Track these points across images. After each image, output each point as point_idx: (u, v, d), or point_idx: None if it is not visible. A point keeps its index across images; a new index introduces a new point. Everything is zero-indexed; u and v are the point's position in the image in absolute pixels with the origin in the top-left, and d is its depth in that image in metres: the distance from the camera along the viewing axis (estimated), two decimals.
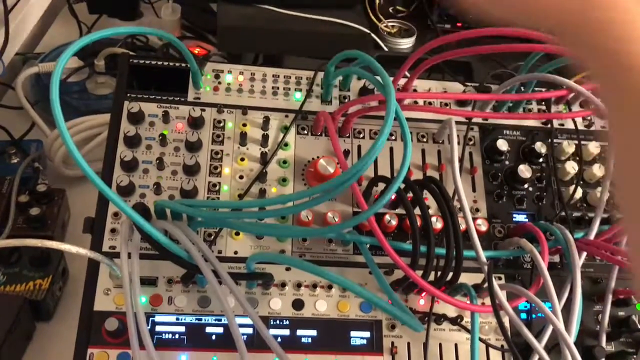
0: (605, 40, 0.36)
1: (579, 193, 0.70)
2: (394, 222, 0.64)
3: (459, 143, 0.70)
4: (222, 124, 0.68)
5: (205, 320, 0.60)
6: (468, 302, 0.60)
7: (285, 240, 0.64)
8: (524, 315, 0.64)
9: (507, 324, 0.61)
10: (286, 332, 0.60)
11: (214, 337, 0.59)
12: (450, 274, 0.58)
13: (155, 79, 0.70)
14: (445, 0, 0.52)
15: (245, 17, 0.95)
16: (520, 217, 0.69)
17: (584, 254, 0.63)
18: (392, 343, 0.61)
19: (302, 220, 0.63)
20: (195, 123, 0.67)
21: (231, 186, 0.65)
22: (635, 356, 0.62)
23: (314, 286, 0.62)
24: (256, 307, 0.60)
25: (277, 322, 0.60)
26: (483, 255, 0.60)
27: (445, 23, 1.09)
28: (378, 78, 0.59)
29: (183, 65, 0.69)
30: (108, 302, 0.59)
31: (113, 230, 0.62)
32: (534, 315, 0.64)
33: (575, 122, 0.74)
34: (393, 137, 0.71)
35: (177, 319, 0.59)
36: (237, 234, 0.63)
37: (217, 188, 0.65)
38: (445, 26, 1.08)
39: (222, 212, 0.59)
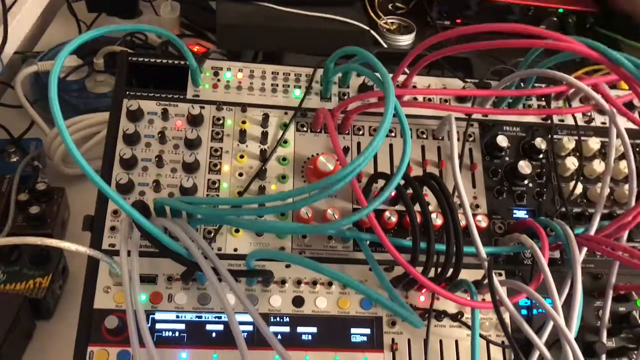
0: None
1: (579, 189, 0.70)
2: (393, 219, 0.64)
3: (458, 139, 0.69)
4: (221, 122, 0.68)
5: (205, 317, 0.59)
6: (468, 298, 0.60)
7: (285, 237, 0.64)
8: (524, 312, 0.64)
9: (507, 320, 0.61)
10: (286, 329, 0.60)
11: (214, 334, 0.59)
12: (451, 270, 0.58)
13: (154, 76, 0.70)
14: None
15: (245, 14, 0.94)
16: (521, 213, 0.69)
17: (585, 249, 0.63)
18: (393, 340, 0.61)
19: (301, 217, 0.63)
20: (195, 120, 0.67)
21: (231, 184, 0.65)
22: (636, 352, 0.62)
23: (314, 283, 0.62)
24: (256, 304, 0.60)
25: (277, 319, 0.60)
26: (483, 251, 0.60)
27: (444, 20, 1.08)
28: (377, 75, 0.59)
29: (182, 62, 0.69)
30: (108, 300, 0.59)
31: (113, 228, 0.62)
32: (534, 311, 0.64)
33: (575, 118, 0.74)
34: (392, 134, 0.71)
35: (177, 316, 0.59)
36: (237, 231, 0.63)
37: (216, 185, 0.65)
38: (444, 23, 1.08)
39: (221, 209, 0.59)
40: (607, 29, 1.07)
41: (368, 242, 0.62)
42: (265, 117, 0.68)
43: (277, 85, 0.71)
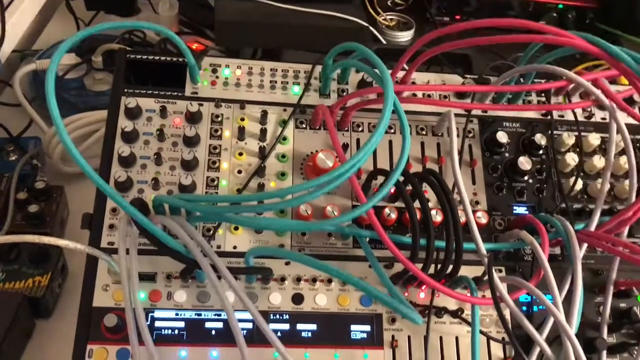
0: None
1: (579, 184, 0.69)
2: (393, 216, 0.64)
3: (458, 135, 0.69)
4: (220, 119, 0.68)
5: (204, 315, 0.59)
6: (468, 294, 0.60)
7: (284, 234, 0.64)
8: (524, 308, 0.64)
9: (508, 316, 0.61)
10: (286, 326, 0.60)
11: (213, 332, 0.59)
12: (451, 266, 0.58)
13: (152, 74, 0.70)
14: None
15: (243, 11, 0.94)
16: (521, 209, 0.69)
17: (585, 245, 0.63)
18: (393, 336, 0.61)
19: (301, 215, 0.63)
20: (193, 118, 0.66)
21: (230, 181, 0.65)
22: (637, 347, 0.62)
23: (314, 280, 0.62)
24: (256, 302, 0.60)
25: (277, 316, 0.60)
26: (483, 247, 0.60)
27: (444, 16, 1.08)
28: (376, 70, 0.59)
29: (180, 60, 0.69)
30: (107, 298, 0.59)
31: (111, 226, 0.61)
32: (535, 308, 0.64)
33: (575, 114, 0.74)
34: (392, 131, 0.70)
35: (177, 314, 0.59)
36: (236, 228, 0.63)
37: (215, 183, 0.65)
38: (444, 19, 1.08)
39: (220, 207, 0.59)
40: (606, 24, 1.06)
41: (368, 239, 0.62)
42: (264, 114, 0.68)
43: (276, 82, 0.71)
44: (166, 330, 0.58)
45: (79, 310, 0.58)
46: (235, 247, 0.62)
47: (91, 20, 1.10)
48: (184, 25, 1.11)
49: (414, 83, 0.73)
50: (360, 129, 0.70)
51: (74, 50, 0.97)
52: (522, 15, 1.06)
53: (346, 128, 0.70)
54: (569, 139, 0.71)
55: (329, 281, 0.62)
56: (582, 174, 0.70)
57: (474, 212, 0.65)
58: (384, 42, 1.01)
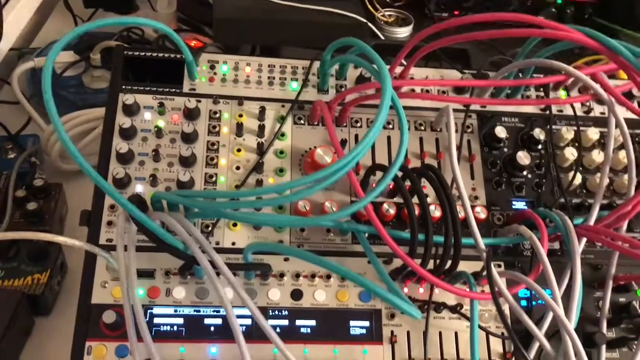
0: None
1: (578, 179, 0.69)
2: (392, 211, 0.63)
3: (456, 131, 0.69)
4: (218, 115, 0.67)
5: (203, 311, 0.59)
6: (467, 290, 0.60)
7: (283, 230, 0.63)
8: (524, 303, 0.64)
9: (507, 311, 0.61)
10: (285, 322, 0.60)
11: (212, 328, 0.59)
12: (449, 262, 0.58)
13: (150, 71, 0.70)
14: None
15: (241, 8, 0.94)
16: (520, 204, 0.69)
17: (584, 240, 0.63)
18: (392, 332, 0.61)
19: (299, 211, 0.63)
20: (191, 114, 0.66)
21: (228, 177, 0.65)
22: (636, 342, 0.62)
23: (313, 276, 0.62)
24: (254, 298, 0.60)
25: (276, 312, 0.60)
26: (482, 242, 0.60)
27: (442, 12, 1.08)
28: (374, 66, 0.59)
29: (178, 56, 0.69)
30: (105, 294, 0.59)
31: (110, 223, 0.61)
32: (534, 303, 0.64)
33: (574, 108, 0.73)
34: (390, 126, 0.70)
35: (175, 310, 0.59)
36: (235, 225, 0.63)
37: (213, 179, 0.64)
38: (442, 14, 1.08)
39: (218, 202, 0.59)
40: (605, 19, 1.06)
41: (366, 235, 0.62)
42: (262, 110, 0.68)
43: (274, 78, 0.71)
44: (165, 327, 0.58)
45: (77, 307, 0.58)
46: (234, 244, 0.62)
47: (89, 18, 1.10)
48: (182, 23, 1.11)
49: (412, 78, 0.73)
50: (358, 124, 0.70)
51: (72, 48, 0.97)
52: (520, 10, 1.06)
53: (344, 124, 0.69)
54: (568, 133, 0.71)
55: (328, 277, 0.62)
56: (581, 168, 0.70)
57: (473, 207, 0.64)
58: (383, 38, 1.01)
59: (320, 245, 0.63)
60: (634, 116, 0.68)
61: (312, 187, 0.52)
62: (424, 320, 0.61)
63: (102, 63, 0.97)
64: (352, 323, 0.61)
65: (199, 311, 0.59)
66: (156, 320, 0.58)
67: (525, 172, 0.70)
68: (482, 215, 0.65)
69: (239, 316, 0.54)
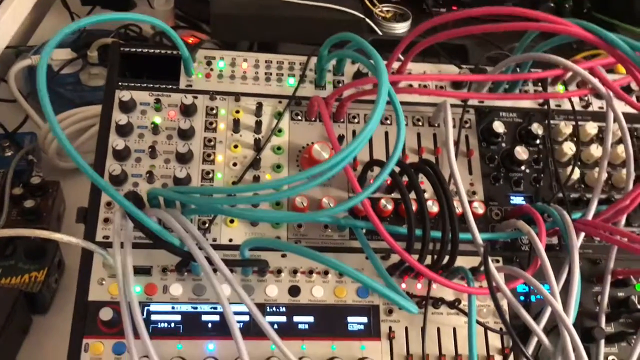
0: None
1: (576, 174, 0.69)
2: (389, 207, 0.63)
3: (454, 126, 0.69)
4: (214, 111, 0.67)
5: (200, 308, 0.59)
6: (465, 285, 0.60)
7: (280, 227, 0.63)
8: (522, 298, 0.64)
9: (505, 306, 0.61)
10: (283, 318, 0.60)
11: (209, 325, 0.59)
12: (447, 257, 0.58)
13: (146, 67, 0.70)
14: None
15: (239, 4, 0.94)
16: (518, 199, 0.68)
17: (582, 234, 0.63)
18: (390, 328, 0.61)
19: (297, 207, 0.63)
20: (188, 110, 0.66)
21: (225, 174, 0.65)
22: (634, 336, 0.62)
23: (310, 272, 0.62)
24: (252, 295, 0.60)
25: (274, 309, 0.60)
26: (479, 237, 0.60)
27: (440, 7, 1.08)
28: (371, 61, 0.59)
29: (174, 52, 0.69)
30: (102, 292, 0.58)
31: (106, 220, 0.61)
32: (532, 298, 0.64)
33: (572, 102, 0.73)
34: (388, 122, 0.70)
35: (173, 307, 0.59)
36: (232, 221, 0.63)
37: (210, 176, 0.64)
38: (440, 10, 1.07)
39: (215, 199, 0.59)
40: (604, 13, 1.06)
41: (364, 231, 0.62)
42: (259, 106, 0.67)
43: (271, 73, 0.71)
44: (162, 324, 0.58)
45: (74, 304, 0.58)
46: (231, 240, 0.62)
47: (87, 16, 1.10)
48: (180, 20, 1.10)
49: (410, 74, 0.73)
50: (356, 120, 0.69)
51: (69, 46, 0.97)
52: (518, 5, 1.06)
53: (342, 119, 0.69)
54: (566, 128, 0.70)
55: (326, 273, 0.62)
56: (579, 163, 0.70)
57: (471, 202, 0.64)
58: (380, 33, 1.01)
59: (318, 241, 0.63)
60: (632, 110, 0.68)
61: (309, 183, 0.52)
62: (421, 315, 0.61)
63: (100, 61, 0.96)
64: (350, 319, 0.61)
65: (196, 308, 0.59)
66: (153, 317, 0.58)
67: (523, 167, 0.70)
68: (480, 210, 0.65)
69: (236, 313, 0.54)
